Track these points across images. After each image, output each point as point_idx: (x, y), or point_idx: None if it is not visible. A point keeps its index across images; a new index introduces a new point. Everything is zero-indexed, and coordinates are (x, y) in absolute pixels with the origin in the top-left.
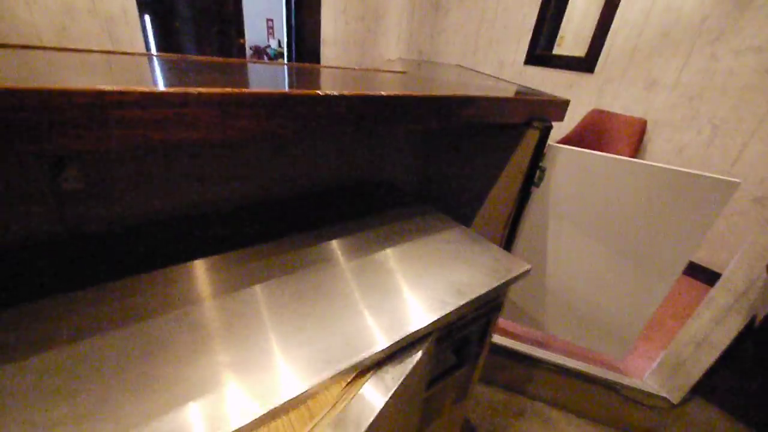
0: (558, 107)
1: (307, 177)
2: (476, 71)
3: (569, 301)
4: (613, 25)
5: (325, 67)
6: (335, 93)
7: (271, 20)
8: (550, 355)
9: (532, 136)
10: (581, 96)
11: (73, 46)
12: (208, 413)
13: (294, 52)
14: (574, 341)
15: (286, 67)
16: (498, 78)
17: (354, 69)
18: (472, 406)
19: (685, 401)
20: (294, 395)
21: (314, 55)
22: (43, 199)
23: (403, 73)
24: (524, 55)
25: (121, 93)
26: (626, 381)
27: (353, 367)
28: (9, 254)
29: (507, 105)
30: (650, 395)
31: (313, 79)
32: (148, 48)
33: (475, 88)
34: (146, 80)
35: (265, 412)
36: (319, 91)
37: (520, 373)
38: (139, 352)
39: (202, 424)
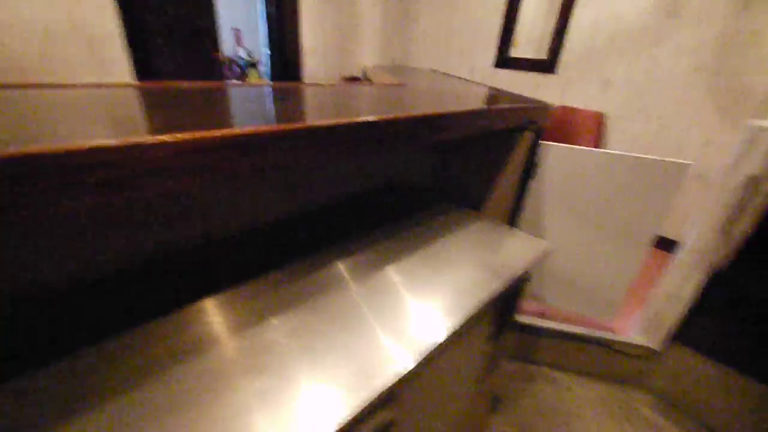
0: (545, 112)
1: (321, 192)
2: (464, 79)
3: (564, 274)
4: (569, 32)
5: (331, 85)
6: (393, 116)
7: (238, 30)
8: (550, 323)
9: (528, 137)
10: (547, 95)
11: (59, 70)
12: None
13: (277, 63)
14: (570, 308)
15: (270, 88)
16: (485, 85)
17: (361, 86)
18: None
19: (666, 348)
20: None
21: (296, 65)
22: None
23: (402, 85)
24: (493, 59)
25: (255, 134)
26: (616, 337)
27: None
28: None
29: (509, 114)
30: (636, 346)
31: (339, 101)
32: (136, 69)
33: (473, 97)
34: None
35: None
36: (392, 117)
37: (526, 343)
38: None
39: None
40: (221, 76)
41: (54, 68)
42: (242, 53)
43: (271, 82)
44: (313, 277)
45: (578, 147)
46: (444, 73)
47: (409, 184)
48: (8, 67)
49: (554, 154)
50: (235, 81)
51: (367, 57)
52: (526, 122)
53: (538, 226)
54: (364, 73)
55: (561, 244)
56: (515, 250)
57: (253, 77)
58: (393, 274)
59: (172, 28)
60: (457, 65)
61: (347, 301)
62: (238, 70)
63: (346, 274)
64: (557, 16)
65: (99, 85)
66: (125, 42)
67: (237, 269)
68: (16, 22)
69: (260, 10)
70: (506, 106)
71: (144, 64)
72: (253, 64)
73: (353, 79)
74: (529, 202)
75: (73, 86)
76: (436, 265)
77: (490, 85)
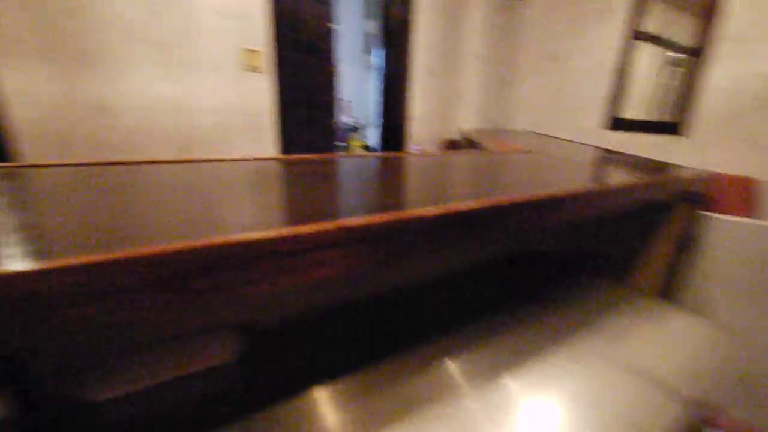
0: (710, 181)
1: (434, 263)
2: (577, 141)
3: (745, 374)
4: (701, 91)
5: (459, 155)
6: (555, 194)
7: (349, 101)
8: None
9: (684, 206)
10: (674, 158)
11: (225, 138)
12: None
13: (385, 128)
14: (755, 422)
15: (407, 159)
16: (614, 150)
17: (487, 154)
18: None
19: None
20: None
21: (401, 130)
22: None
23: (528, 152)
24: (602, 120)
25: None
26: None
27: None
28: None
29: (669, 185)
30: None
31: (479, 174)
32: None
33: (615, 165)
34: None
35: None
36: (554, 194)
37: None
38: None
39: None
40: (334, 139)
41: (222, 137)
42: (348, 120)
43: (381, 152)
44: (427, 374)
45: (745, 220)
46: (551, 136)
47: (540, 253)
48: (195, 139)
49: (716, 226)
50: (342, 144)
51: (463, 120)
52: (682, 192)
53: (699, 310)
54: (464, 137)
55: (741, 335)
56: (694, 345)
57: (355, 141)
58: (525, 382)
59: (303, 102)
60: (558, 127)
61: (467, 418)
62: (343, 134)
63: (463, 377)
64: (683, 76)
65: (269, 159)
66: (275, 115)
67: (340, 353)
68: (204, 102)
69: (372, 84)
70: (667, 177)
71: (281, 131)
72: (355, 129)
73: (452, 143)
74: (688, 279)
75: (251, 160)
76: (585, 369)
77: (601, 147)
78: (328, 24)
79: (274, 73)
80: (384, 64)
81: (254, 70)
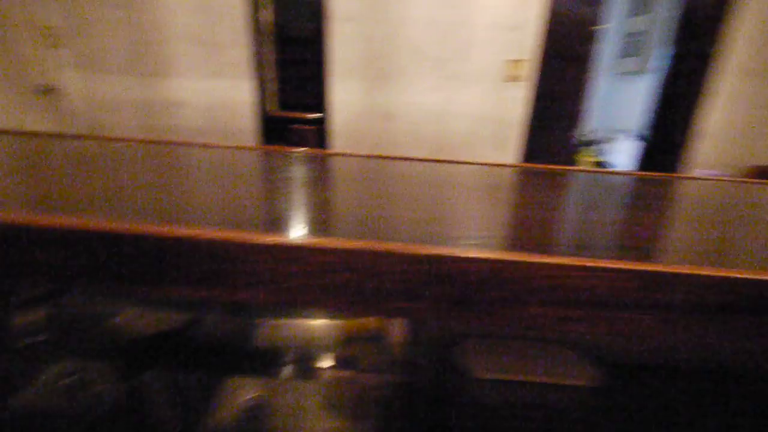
0: None
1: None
2: None
3: None
4: None
5: None
6: None
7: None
8: None
9: None
10: None
11: (475, 143)
12: None
13: (653, 145)
14: None
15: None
16: None
17: None
18: None
19: None
20: None
21: (677, 149)
22: None
23: None
24: None
25: None
26: None
27: None
28: None
29: None
30: None
31: None
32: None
33: None
34: None
35: None
36: None
37: None
38: None
39: None
40: (573, 152)
41: (470, 144)
42: (584, 132)
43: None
44: None
45: None
46: None
47: None
48: (446, 144)
49: None
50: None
51: None
52: None
53: None
54: None
55: None
56: None
57: (585, 155)
58: None
59: (551, 112)
60: None
61: None
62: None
63: None
64: None
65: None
66: (523, 126)
67: None
68: (460, 111)
69: (624, 93)
70: None
71: (526, 140)
72: (588, 143)
73: (765, 171)
74: None
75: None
76: None
77: None
78: (592, 27)
79: (531, 83)
80: (668, 66)
81: (515, 79)
